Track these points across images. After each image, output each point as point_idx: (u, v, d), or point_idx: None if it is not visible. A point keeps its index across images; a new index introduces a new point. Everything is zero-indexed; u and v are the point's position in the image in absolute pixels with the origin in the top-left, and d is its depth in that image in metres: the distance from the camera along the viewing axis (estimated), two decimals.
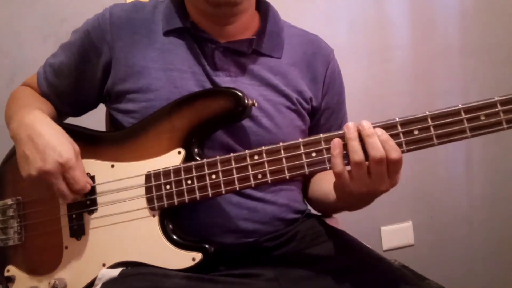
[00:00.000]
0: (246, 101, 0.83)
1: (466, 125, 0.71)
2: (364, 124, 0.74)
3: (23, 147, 0.83)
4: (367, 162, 0.73)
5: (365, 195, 0.76)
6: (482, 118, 0.71)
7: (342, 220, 1.09)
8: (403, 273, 0.83)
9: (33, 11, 1.46)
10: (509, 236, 1.91)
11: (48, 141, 0.82)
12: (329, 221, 1.03)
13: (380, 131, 0.73)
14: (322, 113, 1.01)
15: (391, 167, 0.73)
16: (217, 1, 0.87)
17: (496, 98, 0.71)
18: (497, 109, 0.70)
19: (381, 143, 0.72)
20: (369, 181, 0.74)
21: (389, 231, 1.84)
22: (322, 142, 0.77)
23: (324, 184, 0.96)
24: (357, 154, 0.72)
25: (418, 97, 1.80)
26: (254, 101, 0.85)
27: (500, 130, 0.70)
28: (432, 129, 0.73)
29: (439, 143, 0.73)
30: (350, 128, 0.74)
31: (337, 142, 0.74)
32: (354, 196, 0.77)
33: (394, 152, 0.72)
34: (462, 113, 0.72)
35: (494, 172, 1.90)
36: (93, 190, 0.87)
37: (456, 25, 1.83)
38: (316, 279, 0.82)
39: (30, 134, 0.83)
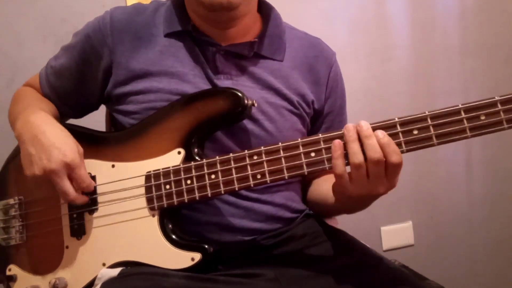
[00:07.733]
0: (246, 101, 0.84)
1: (466, 124, 0.71)
2: (363, 124, 0.74)
3: (28, 147, 0.84)
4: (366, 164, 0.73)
5: (363, 197, 0.76)
6: (482, 117, 0.70)
7: (342, 220, 1.09)
8: (403, 273, 0.83)
9: (33, 11, 1.46)
10: (509, 236, 1.91)
11: (53, 141, 0.83)
12: (329, 221, 1.03)
13: (381, 133, 0.72)
14: (325, 116, 1.01)
15: (390, 170, 0.73)
16: (211, 5, 0.85)
17: (496, 98, 0.71)
18: (497, 109, 0.70)
19: (382, 146, 0.72)
20: (368, 183, 0.74)
21: (389, 231, 1.83)
22: (321, 142, 0.77)
23: (323, 187, 0.96)
24: (356, 156, 0.72)
25: (418, 97, 1.79)
26: (254, 101, 0.86)
27: (501, 130, 0.70)
28: (431, 128, 0.72)
29: (439, 143, 0.73)
30: (350, 130, 0.74)
31: (337, 143, 0.74)
32: (352, 199, 0.77)
33: (395, 156, 0.72)
34: (462, 113, 0.71)
35: (494, 172, 1.90)
36: (94, 190, 0.87)
37: (456, 25, 1.83)
38: (316, 279, 0.83)
39: (35, 133, 0.84)
